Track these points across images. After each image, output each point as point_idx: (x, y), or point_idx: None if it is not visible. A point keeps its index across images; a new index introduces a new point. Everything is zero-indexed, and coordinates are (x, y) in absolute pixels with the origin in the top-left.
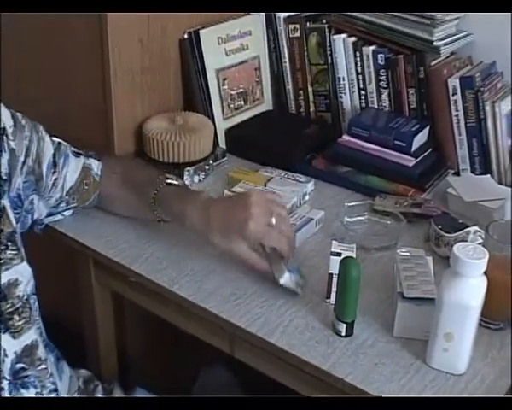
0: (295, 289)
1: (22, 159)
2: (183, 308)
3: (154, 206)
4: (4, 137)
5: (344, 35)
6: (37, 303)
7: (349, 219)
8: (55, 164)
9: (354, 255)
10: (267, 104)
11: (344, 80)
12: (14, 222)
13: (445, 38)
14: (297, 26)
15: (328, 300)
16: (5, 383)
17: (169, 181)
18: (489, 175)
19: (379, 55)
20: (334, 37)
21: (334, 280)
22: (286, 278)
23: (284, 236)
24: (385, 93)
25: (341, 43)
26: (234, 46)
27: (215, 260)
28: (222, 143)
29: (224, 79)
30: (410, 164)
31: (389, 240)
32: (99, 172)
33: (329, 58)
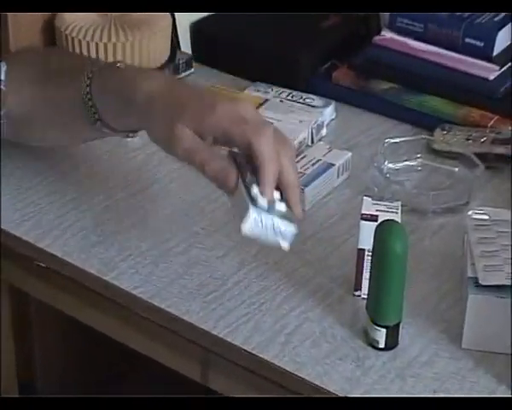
0: (272, 240)
1: None
2: (123, 310)
3: (87, 94)
4: None
5: None
6: None
7: (391, 165)
8: None
9: (399, 220)
10: None
11: None
12: None
13: None
14: None
15: (357, 292)
16: None
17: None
18: None
19: None
20: None
21: (367, 260)
22: (252, 220)
23: (272, 139)
24: None
25: None
26: None
27: (177, 229)
28: (186, 46)
29: None
30: (491, 76)
31: (457, 197)
32: (2, 77)
33: None
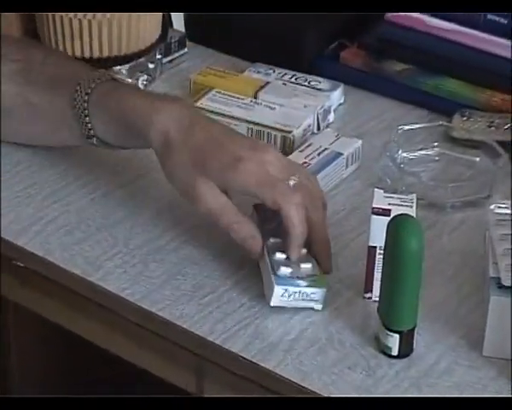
0: (303, 306)
1: None
2: (110, 314)
3: (84, 110)
4: None
5: None
6: None
7: (406, 155)
8: None
9: (414, 214)
10: None
11: None
12: None
13: None
14: None
15: (367, 294)
16: None
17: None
18: None
19: None
20: None
21: (379, 259)
22: (277, 295)
23: (304, 206)
24: None
25: None
26: None
27: (169, 224)
28: (178, 24)
29: None
30: None
31: (478, 190)
32: None
33: None
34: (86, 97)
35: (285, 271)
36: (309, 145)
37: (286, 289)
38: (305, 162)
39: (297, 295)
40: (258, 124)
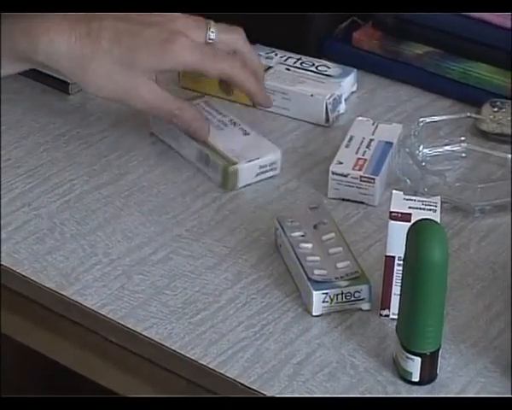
0: (349, 308)
1: None
2: (88, 335)
3: None
4: None
5: None
6: None
7: (428, 151)
8: None
9: (438, 220)
10: None
11: None
12: None
13: None
14: None
15: (384, 311)
16: None
17: None
18: None
19: None
20: None
21: (397, 271)
22: (318, 303)
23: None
24: None
25: None
26: None
27: (155, 231)
28: None
29: None
30: None
31: (510, 191)
32: None
33: None
34: None
35: (320, 273)
36: (351, 139)
37: (326, 293)
38: (360, 159)
39: (340, 297)
40: None
